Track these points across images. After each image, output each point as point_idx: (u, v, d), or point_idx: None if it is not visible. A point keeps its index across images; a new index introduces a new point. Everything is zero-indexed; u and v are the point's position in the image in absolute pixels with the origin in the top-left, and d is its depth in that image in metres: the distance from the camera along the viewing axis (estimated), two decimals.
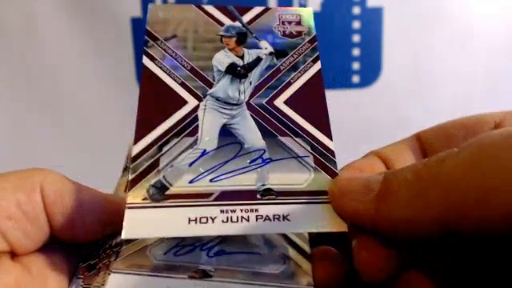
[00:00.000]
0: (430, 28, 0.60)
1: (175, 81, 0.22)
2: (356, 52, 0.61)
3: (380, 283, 0.18)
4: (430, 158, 0.16)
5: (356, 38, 0.60)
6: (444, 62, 0.61)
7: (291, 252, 0.21)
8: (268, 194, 0.20)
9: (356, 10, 0.59)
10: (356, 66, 0.61)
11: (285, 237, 0.22)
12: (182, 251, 0.21)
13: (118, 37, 0.59)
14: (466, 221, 0.15)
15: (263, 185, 0.20)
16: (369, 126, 0.62)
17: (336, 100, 0.64)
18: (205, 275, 0.20)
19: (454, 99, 0.62)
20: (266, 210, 0.19)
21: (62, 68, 0.61)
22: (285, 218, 0.19)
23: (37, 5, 0.58)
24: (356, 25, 0.60)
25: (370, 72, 0.61)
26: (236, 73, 0.23)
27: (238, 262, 0.21)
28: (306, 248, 0.21)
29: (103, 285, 0.20)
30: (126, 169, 0.27)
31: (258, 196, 0.19)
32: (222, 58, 0.23)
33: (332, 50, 0.60)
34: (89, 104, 0.62)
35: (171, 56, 0.23)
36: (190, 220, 0.18)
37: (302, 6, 0.59)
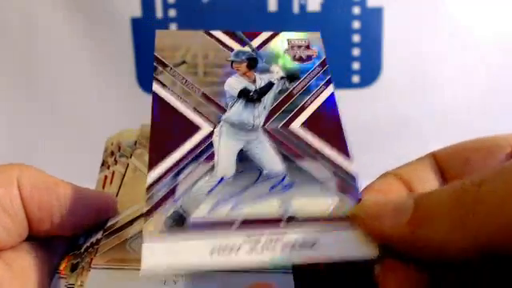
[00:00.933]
0: (430, 28, 0.60)
1: (187, 107, 0.22)
2: (356, 52, 0.61)
3: None
4: (465, 182, 0.17)
5: (356, 38, 0.60)
6: (444, 62, 0.61)
7: None
8: (292, 222, 0.19)
9: (356, 10, 0.59)
10: (356, 66, 0.61)
11: None
12: None
13: (118, 37, 0.59)
14: (508, 245, 0.15)
15: (286, 212, 0.19)
16: (369, 125, 0.62)
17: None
18: None
19: (454, 99, 0.62)
20: (292, 238, 0.18)
21: (61, 68, 0.61)
22: (312, 245, 0.18)
23: (37, 5, 0.58)
24: (356, 25, 0.60)
25: (370, 72, 0.61)
26: (249, 98, 0.22)
27: None
28: None
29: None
30: (103, 164, 0.27)
31: (282, 224, 0.19)
32: (234, 84, 0.23)
33: (332, 50, 0.60)
34: (89, 104, 0.62)
35: (181, 82, 0.23)
36: (212, 251, 0.18)
37: (302, 6, 0.59)
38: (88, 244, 0.22)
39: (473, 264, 0.18)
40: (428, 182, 0.21)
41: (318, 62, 0.25)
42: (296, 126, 0.22)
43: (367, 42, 0.60)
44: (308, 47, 0.25)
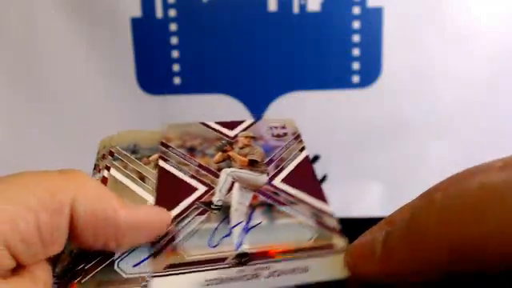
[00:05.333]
0: (430, 28, 0.60)
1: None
2: (356, 52, 0.61)
3: None
4: (415, 207, 0.18)
5: (356, 38, 0.60)
6: (444, 62, 0.61)
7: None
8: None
9: (356, 10, 0.59)
10: (356, 66, 0.61)
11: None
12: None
13: (118, 37, 0.59)
14: (464, 266, 0.16)
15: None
16: (369, 126, 0.62)
17: (336, 100, 0.65)
18: None
19: (454, 99, 0.62)
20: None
21: (61, 68, 0.61)
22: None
23: (37, 5, 0.58)
24: (356, 25, 0.60)
25: (370, 72, 0.61)
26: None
27: None
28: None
29: None
30: (95, 167, 0.27)
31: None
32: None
33: (332, 50, 0.60)
34: (88, 104, 0.62)
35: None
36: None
37: (302, 6, 0.59)
38: (82, 266, 0.21)
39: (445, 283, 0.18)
40: None
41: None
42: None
43: (367, 42, 0.60)
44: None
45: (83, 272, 0.20)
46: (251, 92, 0.62)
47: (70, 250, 0.22)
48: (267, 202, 0.25)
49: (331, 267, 0.21)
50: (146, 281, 0.20)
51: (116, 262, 0.21)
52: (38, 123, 0.62)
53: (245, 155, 0.28)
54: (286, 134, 0.30)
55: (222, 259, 0.21)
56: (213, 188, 0.26)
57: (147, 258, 0.21)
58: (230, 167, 0.27)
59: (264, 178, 0.26)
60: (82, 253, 0.21)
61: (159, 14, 0.59)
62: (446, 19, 0.60)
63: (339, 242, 0.22)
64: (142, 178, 0.26)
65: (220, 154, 0.28)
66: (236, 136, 0.30)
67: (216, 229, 0.23)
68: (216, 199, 0.25)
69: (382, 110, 0.62)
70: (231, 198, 0.25)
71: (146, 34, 0.59)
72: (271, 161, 0.28)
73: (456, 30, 0.60)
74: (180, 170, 0.27)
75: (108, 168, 0.26)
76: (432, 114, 0.61)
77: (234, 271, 0.21)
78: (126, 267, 0.21)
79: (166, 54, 0.60)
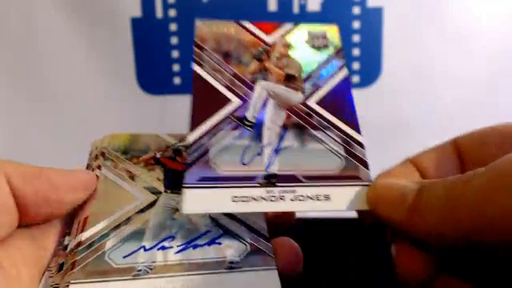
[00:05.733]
0: (430, 28, 0.60)
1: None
2: (356, 52, 0.61)
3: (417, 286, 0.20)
4: (460, 177, 0.18)
5: (356, 38, 0.60)
6: (444, 62, 0.61)
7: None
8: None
9: (356, 10, 0.59)
10: (356, 66, 0.61)
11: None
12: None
13: (118, 37, 0.59)
14: (488, 235, 0.16)
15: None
16: (369, 126, 0.61)
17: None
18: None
19: (454, 99, 0.62)
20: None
21: (61, 68, 0.61)
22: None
23: (37, 5, 0.58)
24: (356, 25, 0.60)
25: (370, 72, 0.61)
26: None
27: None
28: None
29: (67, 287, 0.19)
30: (88, 167, 0.28)
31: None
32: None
33: None
34: (88, 104, 0.62)
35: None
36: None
37: (302, 6, 0.59)
38: (72, 246, 0.22)
39: (467, 252, 0.19)
40: (445, 170, 0.23)
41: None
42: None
43: (367, 42, 0.60)
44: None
45: (75, 263, 0.21)
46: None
47: (65, 245, 0.22)
48: (300, 124, 0.25)
49: (353, 199, 0.22)
50: (138, 270, 0.21)
51: (107, 253, 0.21)
52: (38, 123, 0.62)
53: (282, 68, 0.27)
54: (326, 47, 0.28)
55: (252, 178, 0.22)
56: (247, 101, 0.25)
57: (138, 250, 0.22)
58: (265, 80, 0.26)
59: (299, 96, 0.26)
60: (76, 247, 0.22)
61: (159, 14, 0.59)
62: (446, 19, 0.60)
63: (365, 174, 0.23)
64: (132, 177, 0.26)
65: (256, 63, 0.27)
66: (274, 43, 0.28)
67: (248, 146, 0.23)
68: (250, 115, 0.25)
69: (382, 109, 0.62)
70: (265, 115, 0.25)
71: (146, 34, 0.59)
72: (309, 77, 0.27)
73: (456, 29, 0.60)
74: (215, 78, 0.26)
75: (99, 167, 0.27)
76: (432, 114, 0.61)
77: (261, 191, 0.21)
78: (117, 258, 0.21)
79: (166, 54, 0.60)
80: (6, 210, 0.20)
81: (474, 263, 0.20)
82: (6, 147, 0.61)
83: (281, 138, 0.24)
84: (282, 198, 0.21)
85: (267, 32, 0.28)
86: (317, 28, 0.29)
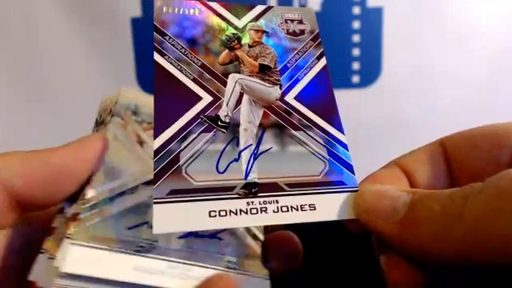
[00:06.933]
0: (430, 28, 0.60)
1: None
2: (356, 52, 0.61)
3: None
4: (456, 192, 0.17)
5: (356, 38, 0.60)
6: (444, 62, 0.61)
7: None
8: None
9: (356, 10, 0.59)
10: (356, 66, 0.61)
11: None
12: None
13: (118, 37, 0.59)
14: (485, 257, 0.16)
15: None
16: (369, 126, 0.61)
17: (336, 100, 0.64)
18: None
19: (454, 99, 0.62)
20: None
21: (61, 68, 0.61)
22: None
23: (37, 5, 0.58)
24: (356, 25, 0.60)
25: (370, 72, 0.61)
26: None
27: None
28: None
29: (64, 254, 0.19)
30: (97, 122, 0.27)
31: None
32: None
33: (332, 50, 0.60)
34: (88, 104, 0.62)
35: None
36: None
37: (302, 5, 0.59)
38: (71, 213, 0.21)
39: (458, 270, 0.18)
40: (431, 173, 0.22)
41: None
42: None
43: (367, 42, 0.60)
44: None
45: (77, 216, 0.20)
46: None
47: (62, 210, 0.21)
48: (279, 123, 0.22)
49: (340, 207, 0.20)
50: (141, 246, 0.20)
51: (110, 220, 0.20)
52: (38, 123, 0.62)
53: (255, 57, 0.24)
54: (303, 32, 0.25)
55: (229, 188, 0.19)
56: (219, 98, 0.22)
57: (142, 225, 0.21)
58: (238, 72, 0.23)
59: (277, 92, 0.23)
60: (81, 203, 0.21)
61: None
62: (446, 19, 0.60)
63: (350, 179, 0.21)
64: (141, 143, 0.24)
65: (226, 51, 0.24)
66: (245, 27, 0.25)
67: (223, 151, 0.20)
68: (223, 114, 0.22)
69: (382, 109, 0.62)
70: (240, 113, 0.22)
71: (146, 34, 0.59)
72: (285, 68, 0.24)
73: (456, 29, 0.60)
74: (180, 71, 0.22)
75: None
76: (432, 114, 0.61)
77: (241, 203, 0.19)
78: (120, 228, 0.20)
79: None
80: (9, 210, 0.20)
81: (466, 278, 0.19)
82: (6, 147, 0.61)
83: (259, 140, 0.21)
84: (263, 210, 0.19)
85: (237, 15, 0.25)
86: (292, 11, 0.26)
